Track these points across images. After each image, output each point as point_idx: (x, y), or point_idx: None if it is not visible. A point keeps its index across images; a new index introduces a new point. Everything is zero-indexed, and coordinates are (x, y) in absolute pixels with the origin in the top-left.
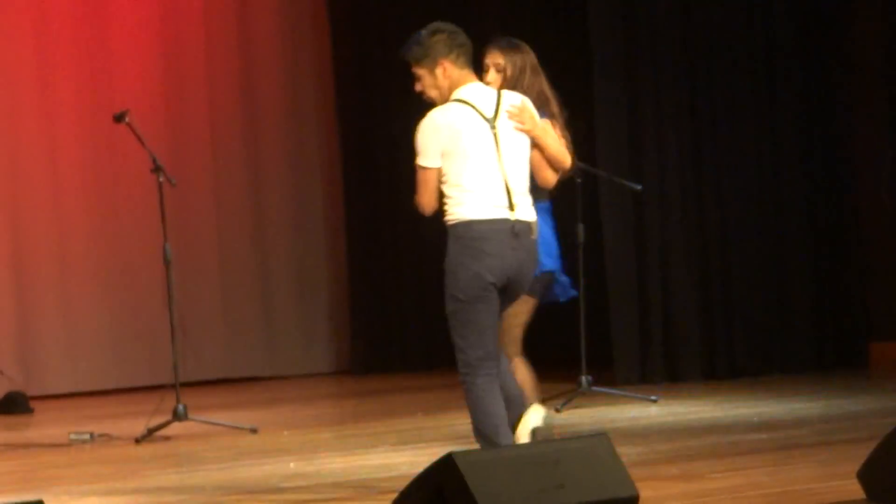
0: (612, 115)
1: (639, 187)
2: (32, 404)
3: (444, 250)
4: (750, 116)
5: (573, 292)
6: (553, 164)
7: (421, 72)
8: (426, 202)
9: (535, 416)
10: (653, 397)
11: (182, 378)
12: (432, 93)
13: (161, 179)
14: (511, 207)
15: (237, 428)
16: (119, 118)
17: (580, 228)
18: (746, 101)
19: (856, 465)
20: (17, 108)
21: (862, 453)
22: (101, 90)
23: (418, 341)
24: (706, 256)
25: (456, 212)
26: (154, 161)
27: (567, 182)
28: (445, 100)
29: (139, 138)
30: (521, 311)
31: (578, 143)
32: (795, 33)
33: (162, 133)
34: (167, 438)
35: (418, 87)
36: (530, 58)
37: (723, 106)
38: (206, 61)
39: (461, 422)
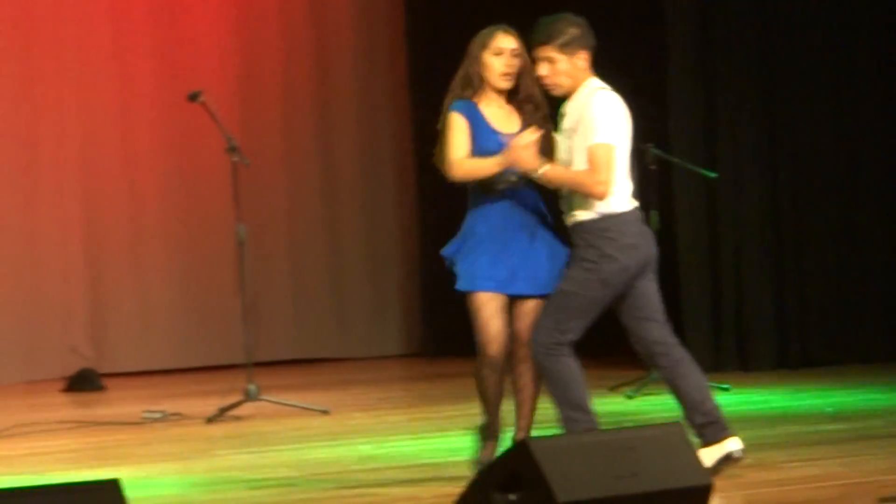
0: (686, 102)
1: (714, 175)
2: (104, 382)
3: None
4: (827, 102)
5: None
6: None
7: (559, 57)
8: (610, 182)
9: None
10: (725, 386)
11: (254, 358)
12: (562, 80)
13: (235, 159)
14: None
15: (309, 409)
16: (193, 98)
17: (654, 216)
18: (824, 87)
19: None
20: (93, 88)
21: None
22: (175, 70)
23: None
24: (780, 244)
25: (608, 202)
26: (228, 141)
27: (641, 169)
28: (573, 90)
29: (214, 118)
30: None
31: (656, 131)
32: (875, 19)
33: (235, 113)
34: (238, 418)
35: (545, 71)
36: None
37: (799, 92)
38: (280, 40)
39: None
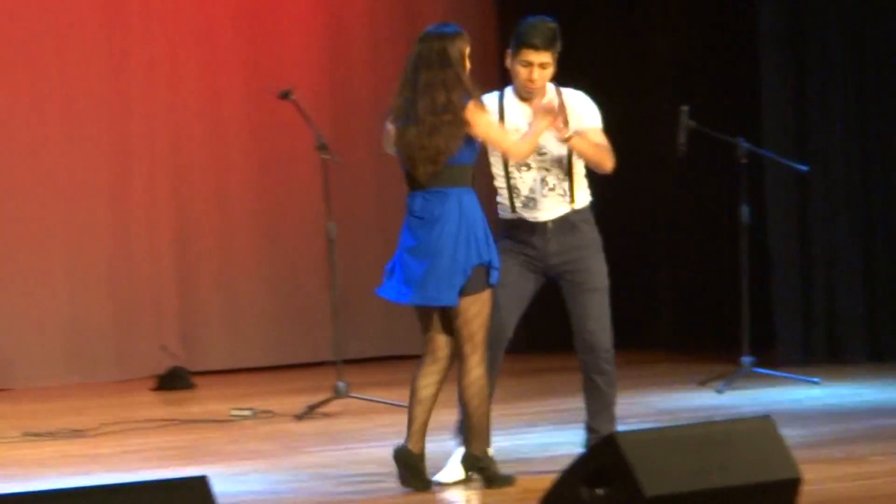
0: (778, 96)
1: (805, 168)
2: (194, 380)
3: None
4: None
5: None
6: None
7: (551, 61)
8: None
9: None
10: (815, 379)
11: (343, 356)
12: (545, 83)
13: (325, 157)
14: None
15: (397, 406)
16: (284, 95)
17: (744, 210)
18: None
19: None
20: (183, 86)
21: None
22: (265, 67)
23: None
24: (870, 237)
25: (588, 193)
26: (318, 139)
27: (732, 163)
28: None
29: (304, 116)
30: None
31: (747, 124)
32: None
33: (325, 111)
34: (327, 415)
35: (539, 75)
36: None
37: (891, 84)
38: (369, 37)
39: (621, 402)
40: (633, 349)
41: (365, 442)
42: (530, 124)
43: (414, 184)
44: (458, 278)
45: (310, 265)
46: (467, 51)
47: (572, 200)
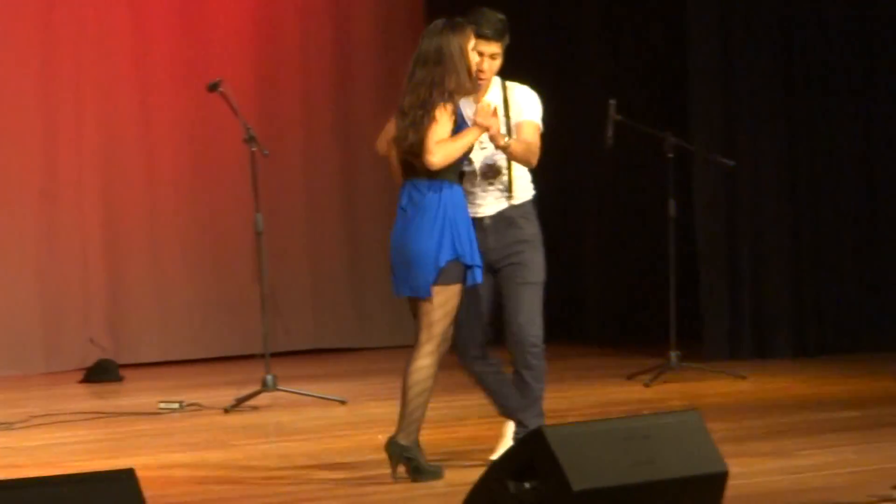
0: (705, 89)
1: (732, 163)
2: (122, 372)
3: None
4: (846, 92)
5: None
6: None
7: (500, 52)
8: None
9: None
10: (742, 374)
11: (271, 348)
12: (493, 75)
13: (254, 149)
14: None
15: (326, 399)
16: (212, 87)
17: (671, 204)
18: (842, 76)
19: None
20: (111, 79)
21: None
22: (194, 59)
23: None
24: (797, 233)
25: (531, 188)
26: (247, 131)
27: (659, 157)
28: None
29: (232, 108)
30: None
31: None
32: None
33: (254, 103)
34: (256, 409)
35: (489, 66)
36: None
37: (819, 79)
38: (299, 30)
39: (550, 396)
40: (561, 343)
41: (293, 435)
42: (462, 133)
43: (402, 176)
44: (431, 270)
45: (238, 257)
46: (469, 45)
47: (511, 195)
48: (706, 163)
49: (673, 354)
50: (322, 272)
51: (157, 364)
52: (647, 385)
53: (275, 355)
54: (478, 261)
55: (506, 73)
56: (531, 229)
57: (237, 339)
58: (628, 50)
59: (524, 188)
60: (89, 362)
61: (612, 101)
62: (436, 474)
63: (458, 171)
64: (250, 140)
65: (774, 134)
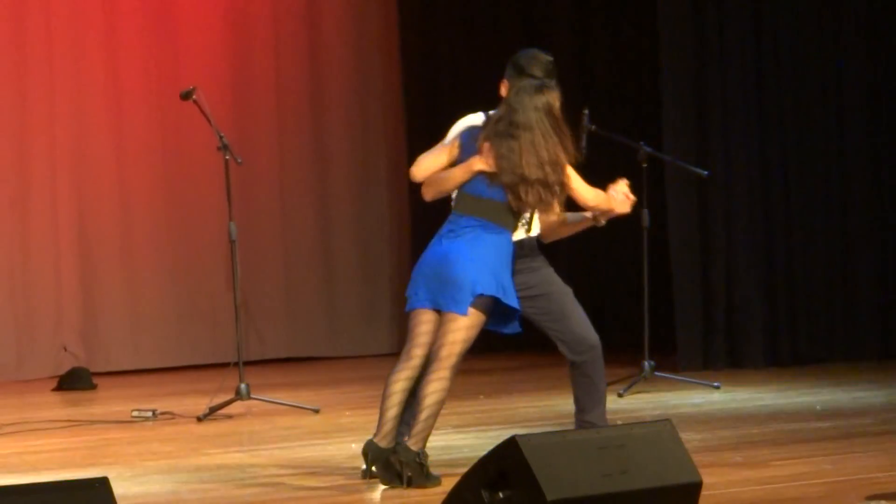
0: (678, 100)
1: (705, 173)
2: (95, 380)
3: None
4: (818, 101)
5: None
6: None
7: None
8: None
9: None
10: (715, 384)
11: (245, 357)
12: None
13: (227, 158)
14: None
15: (299, 408)
16: (186, 96)
17: (645, 214)
18: (814, 87)
19: None
20: (84, 86)
21: None
22: (167, 67)
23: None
24: (770, 243)
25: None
26: (221, 139)
27: (633, 167)
28: None
29: (206, 116)
30: None
31: (648, 129)
32: (868, 19)
33: (228, 111)
34: (229, 417)
35: None
36: None
37: (791, 90)
38: (272, 37)
39: (523, 405)
40: (534, 352)
41: (266, 444)
42: (460, 164)
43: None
44: (470, 292)
45: (212, 266)
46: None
47: (529, 229)
48: (679, 173)
49: (646, 364)
50: (295, 281)
51: (131, 372)
52: (620, 395)
53: (248, 364)
54: (514, 304)
55: (478, 84)
56: (540, 258)
57: (210, 347)
58: (601, 60)
59: (538, 224)
60: (62, 370)
61: (586, 112)
62: (437, 481)
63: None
64: (224, 148)
65: (747, 144)
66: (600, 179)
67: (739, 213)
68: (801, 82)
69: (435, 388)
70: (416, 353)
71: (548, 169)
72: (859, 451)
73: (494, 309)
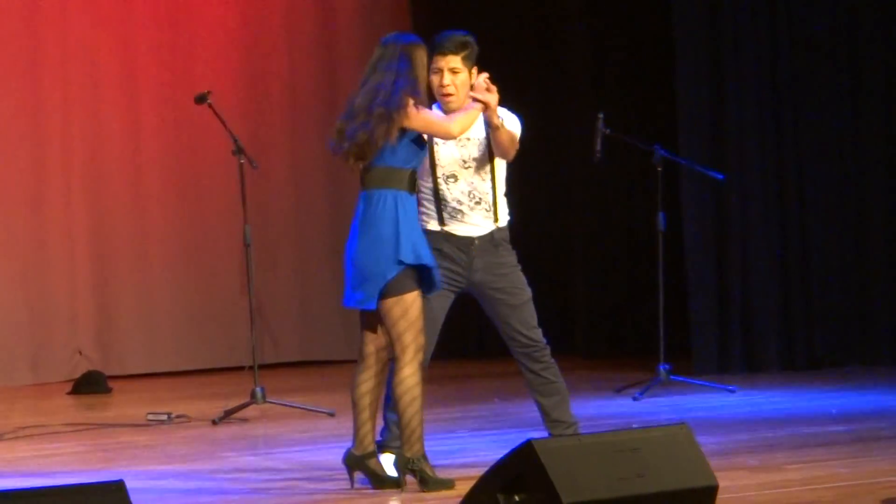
0: (694, 104)
1: (720, 177)
2: (111, 384)
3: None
4: (834, 104)
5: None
6: None
7: (463, 69)
8: None
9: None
10: (731, 387)
11: (259, 360)
12: (461, 93)
13: (242, 161)
14: None
15: (315, 411)
16: (201, 99)
17: (660, 217)
18: (831, 88)
19: None
20: (99, 90)
21: None
22: (181, 71)
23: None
24: (786, 246)
25: (507, 213)
26: (235, 143)
27: (648, 170)
28: (461, 105)
29: (221, 120)
30: None
31: (664, 132)
32: (886, 19)
33: (242, 115)
34: (244, 420)
35: (451, 80)
36: None
37: (806, 95)
38: (286, 41)
39: (536, 409)
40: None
41: (281, 447)
42: (465, 107)
43: (361, 184)
44: (378, 281)
45: (227, 269)
46: (425, 61)
47: (496, 218)
48: (694, 176)
49: (662, 368)
50: (310, 284)
51: (146, 376)
52: (636, 399)
53: (263, 367)
54: (432, 262)
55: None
56: (510, 255)
57: (225, 350)
58: (616, 63)
59: (504, 212)
60: (77, 374)
61: (601, 115)
62: (446, 484)
63: (413, 181)
64: (238, 152)
65: (763, 147)
66: (616, 183)
67: (754, 216)
68: (818, 85)
69: (402, 388)
70: None
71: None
72: (875, 455)
73: None
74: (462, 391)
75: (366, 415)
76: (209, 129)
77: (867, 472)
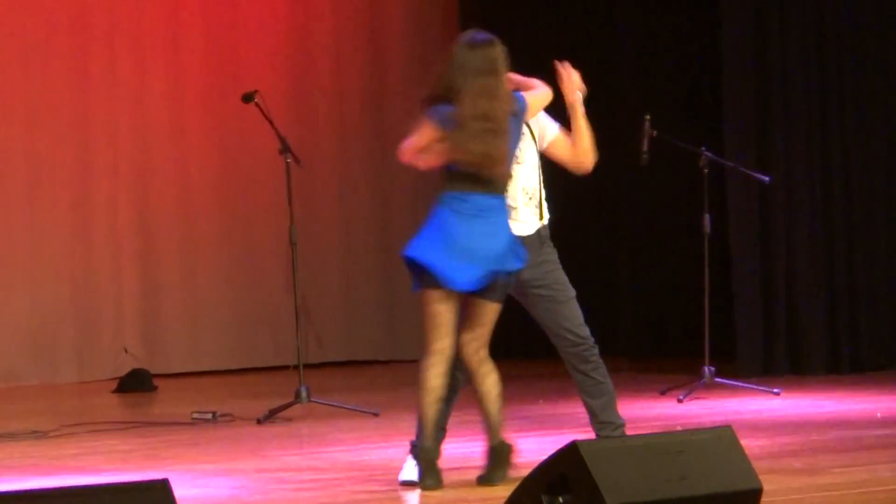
0: (740, 106)
1: (766, 179)
2: (156, 382)
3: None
4: (880, 108)
5: None
6: None
7: None
8: None
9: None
10: (776, 390)
11: (304, 360)
12: None
13: (288, 160)
14: None
15: (359, 411)
16: (248, 98)
17: (706, 219)
18: (877, 93)
19: None
20: (146, 90)
21: None
22: (228, 71)
23: (540, 328)
24: (832, 249)
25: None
26: (282, 141)
27: (694, 173)
28: None
29: (268, 119)
30: None
31: (710, 134)
32: None
33: (288, 114)
34: (289, 420)
35: None
36: None
37: (853, 97)
38: (333, 40)
39: (583, 409)
40: None
41: (326, 447)
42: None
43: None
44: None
45: (272, 268)
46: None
47: (541, 216)
48: (740, 178)
49: (707, 370)
50: (355, 284)
51: (190, 374)
52: (680, 400)
53: (307, 367)
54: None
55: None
56: (554, 252)
57: (270, 350)
58: (664, 65)
59: (547, 211)
60: (122, 372)
61: (647, 117)
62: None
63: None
64: (285, 151)
65: (809, 149)
66: (662, 184)
67: (800, 219)
68: (864, 90)
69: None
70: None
71: None
72: None
73: None
74: (506, 392)
75: (422, 403)
76: (255, 129)
77: None
